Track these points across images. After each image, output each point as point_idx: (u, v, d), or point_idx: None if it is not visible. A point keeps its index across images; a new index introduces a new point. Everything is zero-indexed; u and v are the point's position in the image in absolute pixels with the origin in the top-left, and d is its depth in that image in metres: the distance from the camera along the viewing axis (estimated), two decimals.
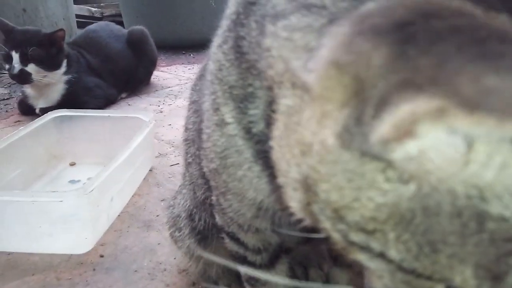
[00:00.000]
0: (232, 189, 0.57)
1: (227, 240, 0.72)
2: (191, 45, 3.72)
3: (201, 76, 0.80)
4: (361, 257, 0.35)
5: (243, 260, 0.72)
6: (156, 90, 2.66)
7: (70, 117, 1.61)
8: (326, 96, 0.32)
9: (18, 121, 2.11)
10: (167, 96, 2.51)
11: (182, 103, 2.35)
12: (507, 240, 0.29)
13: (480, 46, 0.24)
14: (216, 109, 0.53)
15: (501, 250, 0.29)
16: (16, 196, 1.09)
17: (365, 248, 0.33)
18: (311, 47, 0.35)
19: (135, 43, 2.51)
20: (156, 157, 1.67)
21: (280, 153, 0.39)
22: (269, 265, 0.72)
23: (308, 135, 0.34)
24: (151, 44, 2.63)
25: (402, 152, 0.28)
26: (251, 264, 0.71)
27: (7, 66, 1.97)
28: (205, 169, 0.64)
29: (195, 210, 0.84)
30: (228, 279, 0.97)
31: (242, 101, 0.49)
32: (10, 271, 1.06)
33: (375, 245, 0.32)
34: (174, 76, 2.98)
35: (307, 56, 0.35)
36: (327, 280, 0.88)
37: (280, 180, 0.41)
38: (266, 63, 0.42)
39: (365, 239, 0.33)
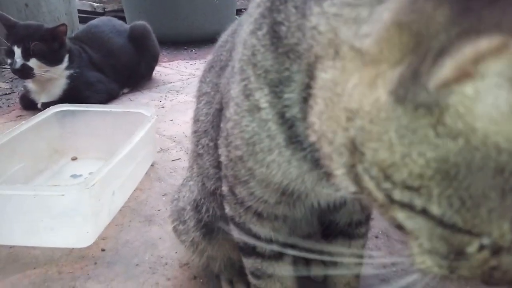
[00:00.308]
0: (258, 176, 0.58)
1: (236, 232, 0.72)
2: (193, 41, 3.71)
3: (210, 68, 0.81)
4: (400, 216, 0.37)
5: (252, 252, 0.72)
6: (158, 86, 2.65)
7: (72, 111, 1.61)
8: (381, 58, 0.34)
9: (20, 115, 2.11)
10: (168, 92, 2.51)
11: (184, 99, 2.35)
12: None
13: None
14: (248, 95, 0.54)
15: None
16: (18, 190, 1.09)
17: (407, 206, 0.35)
18: (362, 18, 0.37)
19: (137, 38, 2.51)
20: (157, 152, 1.67)
21: (324, 125, 0.42)
22: (278, 257, 0.72)
23: (355, 100, 0.36)
24: (153, 39, 2.62)
25: (459, 94, 0.30)
26: (260, 256, 0.72)
27: (9, 61, 1.97)
28: (223, 158, 0.64)
29: (202, 201, 0.84)
30: (230, 273, 0.97)
31: (278, 85, 0.50)
32: (12, 264, 1.06)
33: (418, 201, 0.34)
34: (176, 72, 2.98)
35: (358, 26, 0.37)
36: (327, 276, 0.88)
37: (325, 150, 0.43)
38: (309, 42, 0.44)
39: (409, 196, 0.34)
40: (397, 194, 0.35)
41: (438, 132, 0.32)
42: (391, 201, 0.36)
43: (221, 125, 0.64)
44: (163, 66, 3.10)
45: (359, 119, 0.36)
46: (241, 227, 0.70)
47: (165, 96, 2.44)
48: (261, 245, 0.70)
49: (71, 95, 2.09)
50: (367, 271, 0.99)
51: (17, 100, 2.27)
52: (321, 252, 0.91)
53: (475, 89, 0.29)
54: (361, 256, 0.80)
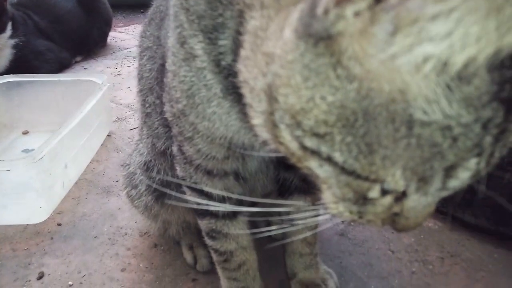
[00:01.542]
0: (201, 131, 0.56)
1: (188, 193, 0.70)
2: (150, 3, 3.54)
3: (150, 21, 0.77)
4: (312, 164, 0.39)
5: (205, 213, 0.71)
6: (114, 52, 2.54)
7: (18, 83, 1.51)
8: (291, 0, 0.35)
9: None
10: (125, 58, 2.41)
11: None
12: (430, 145, 0.33)
13: None
14: (183, 43, 0.51)
15: (426, 154, 0.33)
16: None
17: (316, 153, 0.37)
18: None
19: (86, 1, 2.36)
20: (114, 121, 1.62)
21: (247, 72, 0.42)
22: (231, 216, 0.72)
23: (272, 45, 0.37)
24: (104, 2, 2.48)
25: (342, 20, 0.31)
26: (214, 216, 0.71)
27: None
28: (168, 115, 0.62)
29: (153, 162, 0.82)
30: (189, 238, 0.96)
31: (212, 31, 0.48)
32: None
33: (324, 148, 0.36)
34: (132, 37, 2.85)
35: None
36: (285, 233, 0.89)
37: (247, 98, 0.43)
38: None
39: (317, 143, 0.36)
40: (308, 141, 0.37)
41: (337, 74, 0.33)
42: (304, 148, 0.38)
43: (164, 79, 0.61)
44: (119, 31, 2.96)
45: (274, 63, 0.37)
46: (193, 188, 0.68)
47: (121, 62, 2.34)
48: (213, 206, 0.69)
49: (19, 65, 1.96)
50: (324, 226, 1.02)
51: None
52: (275, 208, 0.92)
53: (355, 11, 0.30)
54: (316, 210, 0.81)
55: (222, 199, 0.69)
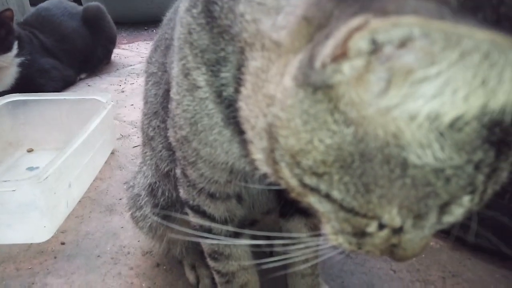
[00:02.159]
0: (204, 156, 0.58)
1: (191, 215, 0.72)
2: (153, 20, 3.58)
3: (156, 48, 0.79)
4: (312, 200, 0.40)
5: (208, 234, 0.72)
6: (117, 69, 2.57)
7: (24, 101, 1.54)
8: (292, 47, 0.37)
9: None
10: (128, 75, 2.44)
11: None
12: (424, 185, 0.34)
13: None
14: (187, 74, 0.53)
15: (420, 193, 0.35)
16: None
17: (315, 190, 0.39)
18: (281, 7, 0.39)
19: (91, 20, 2.40)
20: (118, 139, 1.64)
21: (248, 110, 0.43)
22: (234, 238, 0.72)
23: (273, 88, 0.39)
24: (108, 20, 2.52)
25: (339, 73, 0.33)
26: (216, 238, 0.71)
27: None
28: (171, 140, 0.64)
29: (157, 184, 0.83)
30: (192, 258, 0.97)
31: (215, 64, 0.50)
32: None
33: (323, 186, 0.38)
34: (136, 54, 2.89)
35: (277, 16, 0.39)
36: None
37: (249, 134, 0.45)
38: (239, 28, 0.45)
39: (316, 181, 0.38)
40: (307, 179, 0.38)
41: (335, 119, 0.35)
42: (303, 185, 0.39)
43: (168, 105, 0.63)
44: (123, 48, 3.01)
45: (274, 106, 0.38)
46: (196, 209, 0.70)
47: (125, 79, 2.37)
48: (216, 227, 0.70)
49: (24, 83, 2.00)
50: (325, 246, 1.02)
51: None
52: (277, 231, 0.93)
53: (352, 68, 0.32)
54: (317, 235, 0.82)
55: (225, 221, 0.70)
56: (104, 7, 2.52)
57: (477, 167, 0.34)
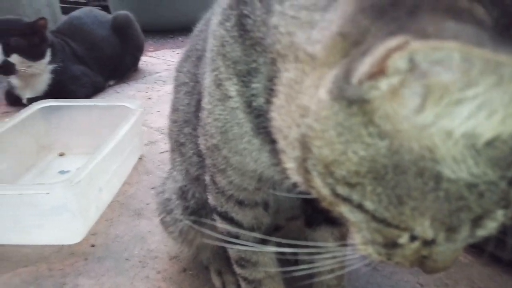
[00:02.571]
0: (233, 164, 0.60)
1: (219, 221, 0.73)
2: (179, 29, 3.66)
3: (187, 58, 0.81)
4: (343, 209, 0.41)
5: (235, 240, 0.73)
6: (144, 76, 2.63)
7: (57, 107, 1.59)
8: (327, 61, 0.38)
9: (6, 112, 2.09)
10: (155, 82, 2.49)
11: (171, 89, 2.32)
12: (457, 199, 0.35)
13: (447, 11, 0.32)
14: (219, 85, 0.55)
15: (453, 207, 0.35)
16: (3, 189, 1.08)
17: (347, 200, 0.39)
18: (315, 22, 0.40)
19: (120, 28, 2.47)
20: (145, 145, 1.67)
21: (281, 120, 0.45)
22: (261, 243, 0.73)
23: (307, 100, 0.40)
24: (136, 29, 2.59)
25: (376, 90, 0.33)
26: (244, 244, 0.73)
27: None
28: (202, 147, 0.66)
29: (188, 187, 0.85)
30: (219, 264, 0.98)
31: (246, 75, 0.52)
32: (2, 263, 1.07)
33: (356, 197, 0.38)
34: (162, 61, 2.95)
35: (312, 31, 0.40)
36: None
37: (281, 144, 0.46)
38: (272, 40, 0.46)
39: (348, 191, 0.38)
40: (339, 189, 0.39)
41: (369, 132, 0.35)
42: (335, 195, 0.40)
43: (200, 114, 0.65)
44: (149, 56, 3.07)
45: (309, 117, 0.39)
46: (224, 216, 0.71)
47: (152, 87, 2.42)
48: (243, 234, 0.71)
49: (56, 89, 2.07)
50: (352, 256, 1.02)
51: (2, 96, 2.24)
52: (303, 249, 0.93)
53: (389, 85, 0.33)
54: (344, 245, 0.82)
55: (252, 228, 0.71)
56: (132, 15, 2.58)
57: (511, 182, 0.34)
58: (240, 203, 0.68)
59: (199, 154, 0.75)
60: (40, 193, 1.06)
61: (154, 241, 1.13)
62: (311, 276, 0.87)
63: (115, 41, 2.44)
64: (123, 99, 2.15)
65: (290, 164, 0.45)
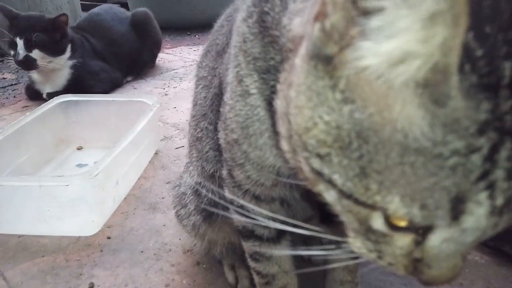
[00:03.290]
0: (252, 159, 0.60)
1: (235, 215, 0.74)
2: (196, 26, 3.69)
3: (207, 53, 0.82)
4: (321, 188, 0.40)
5: (250, 235, 0.74)
6: (161, 73, 2.66)
7: (76, 102, 1.63)
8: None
9: (26, 106, 2.14)
10: (172, 79, 2.52)
11: (187, 86, 2.35)
12: (427, 174, 0.32)
13: None
14: (240, 81, 0.56)
15: (424, 183, 0.33)
16: (24, 181, 1.11)
17: (321, 175, 0.39)
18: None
19: (138, 25, 2.50)
20: (161, 140, 1.69)
21: (278, 100, 0.46)
22: (275, 240, 0.74)
23: (293, 75, 0.40)
24: (155, 26, 2.62)
25: (327, 39, 0.34)
26: (258, 238, 0.74)
27: (12, 52, 1.98)
28: (221, 141, 0.67)
29: (202, 183, 0.86)
30: (232, 259, 0.99)
31: (265, 72, 0.52)
32: (21, 253, 1.09)
33: (326, 170, 0.38)
34: (179, 58, 2.98)
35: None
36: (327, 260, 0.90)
37: (278, 126, 0.46)
38: (285, 37, 0.47)
39: (320, 164, 0.38)
40: (314, 162, 0.38)
41: (334, 96, 0.35)
42: (313, 171, 0.39)
43: (220, 109, 0.65)
44: (166, 53, 3.10)
45: (291, 89, 0.40)
46: (239, 211, 0.72)
47: (169, 83, 2.44)
48: (259, 229, 0.72)
49: (76, 84, 2.11)
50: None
51: (23, 90, 2.30)
52: (318, 235, 0.93)
53: (331, 24, 0.33)
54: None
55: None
56: (151, 13, 2.61)
57: (488, 159, 0.31)
58: (257, 198, 0.68)
59: (215, 149, 0.76)
60: (60, 185, 1.08)
61: (169, 234, 1.14)
62: (324, 272, 0.87)
63: (134, 37, 2.47)
64: (140, 94, 2.18)
65: (285, 146, 0.46)
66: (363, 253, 0.43)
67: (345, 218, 0.42)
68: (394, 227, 0.38)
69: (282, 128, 0.45)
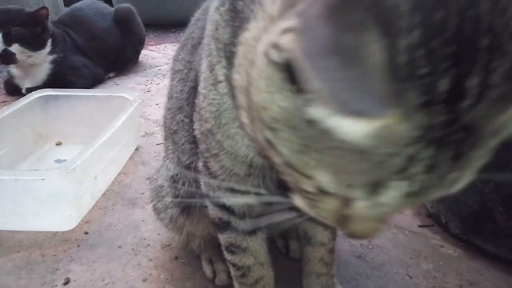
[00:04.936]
0: (226, 148, 0.61)
1: (210, 208, 0.74)
2: (181, 23, 3.63)
3: (183, 46, 0.82)
4: (271, 154, 0.44)
5: (226, 227, 0.74)
6: (144, 69, 2.64)
7: (55, 96, 1.60)
8: (276, 17, 0.41)
9: (5, 101, 2.10)
10: (155, 75, 2.50)
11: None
12: (355, 165, 0.36)
13: None
14: (212, 69, 0.57)
15: (346, 166, 0.37)
16: None
17: (271, 144, 0.43)
18: None
19: (122, 21, 2.48)
20: (142, 136, 1.68)
21: (237, 74, 0.48)
22: (251, 232, 0.74)
23: (255, 52, 0.43)
24: (138, 22, 2.60)
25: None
26: (234, 230, 0.74)
27: None
28: (196, 132, 0.67)
29: (178, 175, 0.86)
30: (210, 253, 0.99)
31: (234, 58, 0.52)
32: None
33: (276, 140, 0.42)
34: (163, 55, 2.96)
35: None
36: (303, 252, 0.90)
37: (238, 100, 0.49)
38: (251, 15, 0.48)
39: (272, 135, 0.42)
40: (267, 133, 0.43)
41: (289, 87, 0.38)
42: (265, 139, 0.44)
43: (196, 100, 0.66)
44: (150, 50, 3.08)
45: (253, 67, 0.43)
46: (215, 202, 0.72)
47: (151, 80, 2.43)
48: (234, 220, 0.72)
49: (56, 80, 2.08)
50: (341, 247, 1.03)
51: (1, 85, 2.25)
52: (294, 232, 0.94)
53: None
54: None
55: (243, 215, 0.72)
56: (134, 9, 2.59)
57: (408, 160, 0.35)
58: (232, 189, 0.69)
59: (190, 142, 0.76)
60: (36, 179, 1.07)
61: (147, 230, 1.14)
62: (300, 265, 0.88)
63: (116, 33, 2.45)
64: (122, 90, 2.16)
65: (244, 118, 0.48)
66: (305, 209, 0.49)
67: (288, 179, 0.46)
68: (327, 193, 0.43)
69: (242, 101, 0.48)
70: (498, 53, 0.32)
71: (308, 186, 0.43)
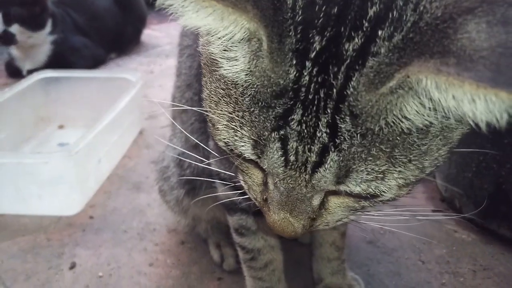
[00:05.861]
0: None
1: (220, 188, 0.72)
2: None
3: None
4: (214, 133, 0.47)
5: (236, 209, 0.72)
6: (147, 50, 2.59)
7: (57, 78, 1.57)
8: None
9: (5, 83, 2.06)
10: (158, 56, 2.45)
11: (173, 63, 2.28)
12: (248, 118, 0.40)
13: None
14: None
15: (265, 123, 0.39)
16: (2, 157, 1.07)
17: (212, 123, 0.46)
18: None
19: (122, 0, 2.42)
20: (146, 119, 1.65)
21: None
22: (262, 214, 0.72)
23: None
24: (139, 0, 2.53)
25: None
26: (244, 212, 0.72)
27: None
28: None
29: (185, 155, 0.84)
30: (217, 237, 0.97)
31: None
32: (1, 232, 1.06)
33: (211, 115, 0.46)
34: (165, 35, 2.90)
35: None
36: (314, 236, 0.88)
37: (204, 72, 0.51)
38: None
39: (210, 110, 0.46)
40: (207, 107, 0.46)
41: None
42: (207, 116, 0.47)
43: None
44: (152, 29, 3.01)
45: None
46: (225, 183, 0.69)
47: (154, 60, 2.38)
48: (244, 201, 0.70)
49: (57, 61, 2.03)
50: (352, 233, 1.00)
51: (3, 68, 2.21)
52: None
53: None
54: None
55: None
56: None
57: (280, 117, 0.38)
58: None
59: (201, 120, 0.74)
60: (39, 162, 1.04)
61: (153, 214, 1.12)
62: (310, 250, 0.86)
63: (117, 12, 2.39)
64: (123, 71, 2.11)
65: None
66: (243, 186, 0.51)
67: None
68: (248, 160, 0.45)
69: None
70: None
71: (221, 142, 0.45)
